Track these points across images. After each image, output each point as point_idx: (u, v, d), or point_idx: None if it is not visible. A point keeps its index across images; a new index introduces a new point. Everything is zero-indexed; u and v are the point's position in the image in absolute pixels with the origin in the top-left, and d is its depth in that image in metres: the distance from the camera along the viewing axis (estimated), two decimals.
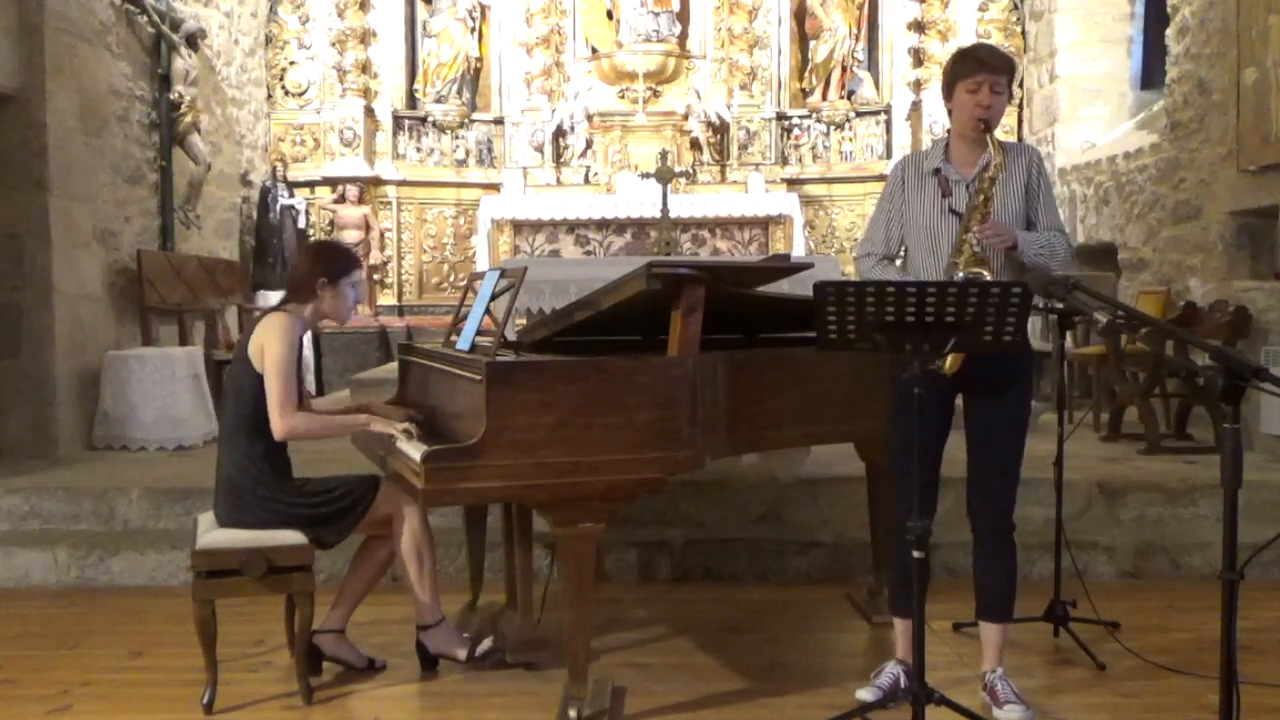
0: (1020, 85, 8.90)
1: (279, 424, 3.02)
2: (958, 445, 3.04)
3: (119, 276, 6.49)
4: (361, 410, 3.39)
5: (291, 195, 9.01)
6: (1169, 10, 6.92)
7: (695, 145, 9.51)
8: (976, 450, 2.99)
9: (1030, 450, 3.00)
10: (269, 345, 3.03)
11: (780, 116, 9.66)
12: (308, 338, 8.52)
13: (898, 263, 3.16)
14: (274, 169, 9.02)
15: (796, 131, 9.74)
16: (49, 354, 5.76)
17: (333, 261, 3.22)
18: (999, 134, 2.98)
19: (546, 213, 9.03)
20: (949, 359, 2.84)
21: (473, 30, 9.69)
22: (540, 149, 9.53)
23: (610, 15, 9.71)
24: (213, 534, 3.08)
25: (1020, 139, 9.19)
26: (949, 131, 3.10)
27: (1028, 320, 2.59)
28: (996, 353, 2.69)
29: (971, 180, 2.95)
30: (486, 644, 3.31)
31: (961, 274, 2.86)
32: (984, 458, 2.97)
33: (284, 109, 9.50)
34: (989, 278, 2.82)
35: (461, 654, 3.27)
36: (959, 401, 3.04)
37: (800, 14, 9.70)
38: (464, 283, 4.29)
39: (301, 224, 9.01)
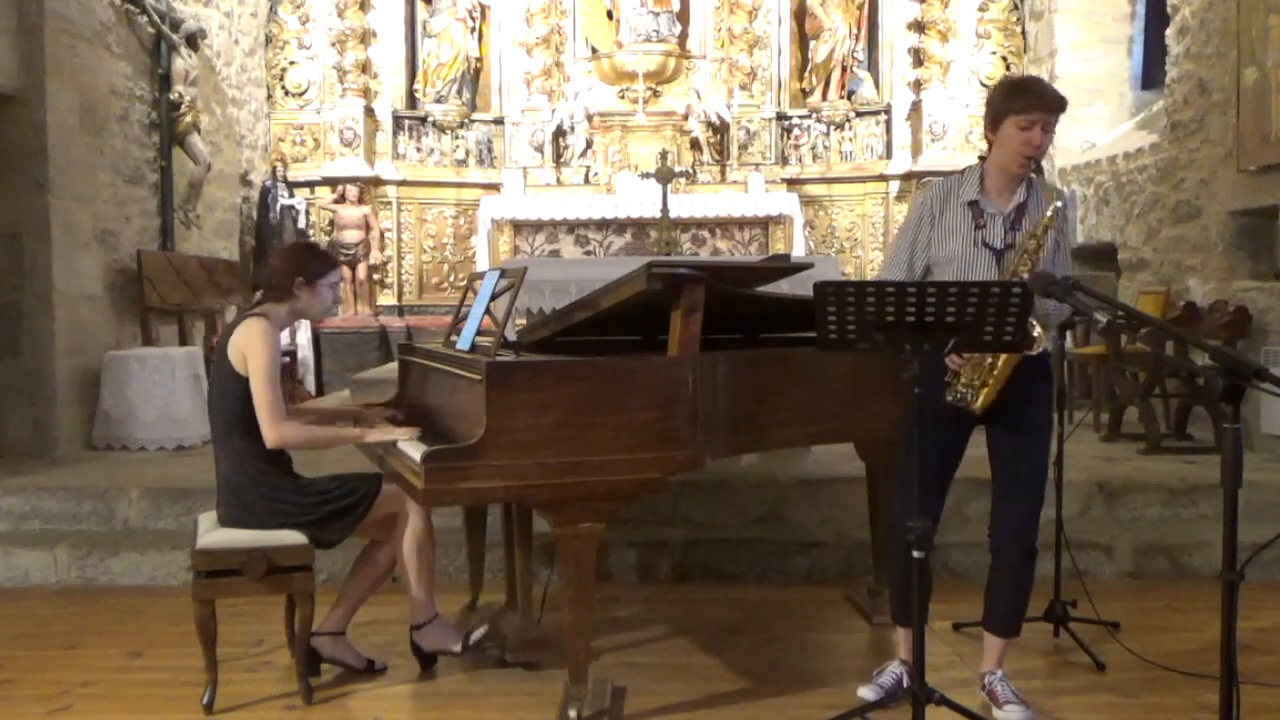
0: None
1: (271, 433, 3.01)
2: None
3: (119, 276, 6.48)
4: (358, 418, 3.40)
5: (291, 195, 9.01)
6: (1169, 10, 6.93)
7: (695, 145, 9.50)
8: (1001, 471, 2.95)
9: None
10: (252, 354, 3.02)
11: (780, 116, 9.65)
12: (307, 338, 8.61)
13: None
14: (274, 169, 9.01)
15: (796, 131, 9.73)
16: (49, 354, 5.76)
17: (312, 262, 3.22)
18: None
19: (546, 213, 9.02)
20: (980, 396, 2.84)
21: (473, 30, 9.68)
22: (540, 149, 9.52)
23: (610, 15, 9.70)
24: (213, 534, 3.07)
25: None
26: (983, 159, 2.98)
27: (1027, 323, 2.58)
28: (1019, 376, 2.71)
29: (1008, 214, 2.88)
30: (479, 632, 3.31)
31: None
32: (1009, 479, 2.93)
33: (284, 109, 9.50)
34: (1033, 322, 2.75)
35: (457, 646, 3.27)
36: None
37: (800, 14, 9.69)
38: (464, 283, 4.29)
39: (301, 224, 9.00)
